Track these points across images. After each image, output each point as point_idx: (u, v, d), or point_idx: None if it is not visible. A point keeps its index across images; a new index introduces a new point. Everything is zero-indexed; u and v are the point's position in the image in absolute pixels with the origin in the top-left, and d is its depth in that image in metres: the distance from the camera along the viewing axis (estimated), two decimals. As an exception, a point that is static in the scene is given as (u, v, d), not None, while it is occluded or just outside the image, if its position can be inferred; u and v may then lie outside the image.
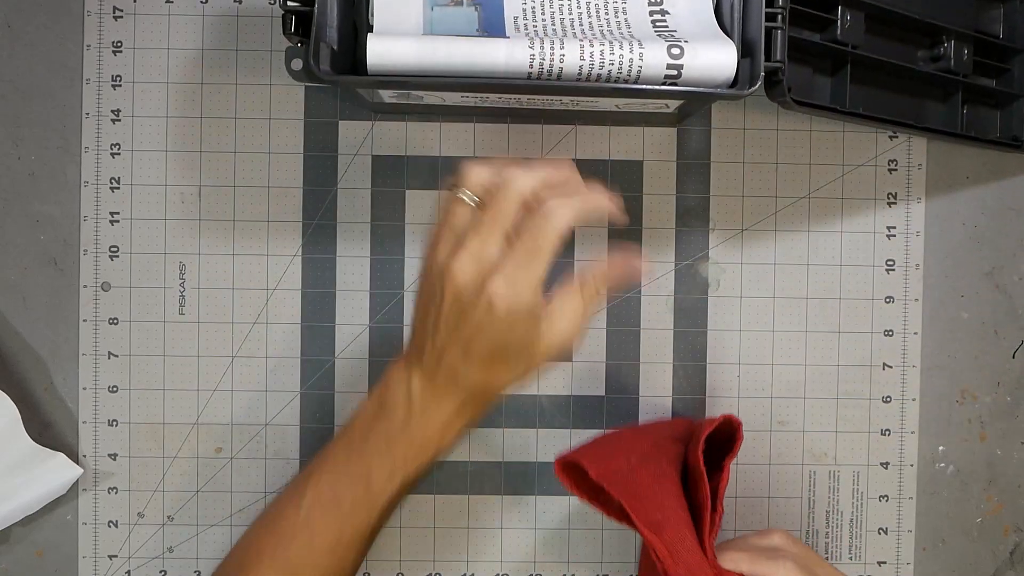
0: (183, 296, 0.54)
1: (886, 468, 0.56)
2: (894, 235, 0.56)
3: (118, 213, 0.54)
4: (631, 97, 0.47)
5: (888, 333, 0.56)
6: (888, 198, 0.56)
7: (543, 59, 0.43)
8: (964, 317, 0.56)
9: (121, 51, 0.54)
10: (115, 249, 0.54)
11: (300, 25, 0.45)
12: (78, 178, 0.54)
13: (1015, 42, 0.54)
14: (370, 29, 0.46)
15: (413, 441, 0.44)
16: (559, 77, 0.44)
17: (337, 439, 0.46)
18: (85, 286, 0.54)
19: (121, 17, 0.54)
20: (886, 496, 0.56)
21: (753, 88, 0.44)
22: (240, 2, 0.54)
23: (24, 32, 0.54)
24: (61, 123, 0.54)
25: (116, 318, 0.54)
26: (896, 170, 0.56)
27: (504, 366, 0.42)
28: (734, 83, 0.45)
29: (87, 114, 0.54)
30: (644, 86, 0.44)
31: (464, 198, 0.41)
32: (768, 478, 0.56)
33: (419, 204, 0.55)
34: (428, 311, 0.42)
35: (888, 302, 0.56)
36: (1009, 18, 0.54)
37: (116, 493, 0.54)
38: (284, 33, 0.45)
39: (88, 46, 0.54)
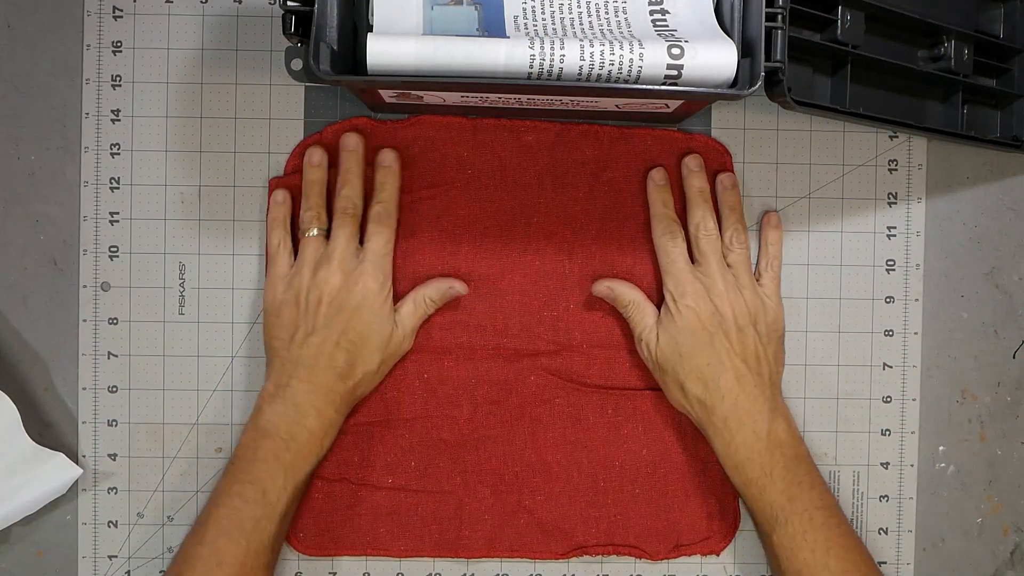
0: (183, 296, 0.54)
1: (886, 468, 0.56)
2: (894, 235, 0.56)
3: (118, 213, 0.54)
4: (631, 97, 0.47)
5: (888, 333, 0.56)
6: (888, 198, 0.56)
7: (543, 59, 0.43)
8: (964, 317, 0.56)
9: (121, 51, 0.54)
10: (115, 249, 0.54)
11: (300, 25, 0.45)
12: (78, 178, 0.54)
13: (1015, 42, 0.54)
14: (370, 29, 0.46)
15: (300, 448, 0.49)
16: (559, 77, 0.44)
17: (225, 473, 0.50)
18: (85, 286, 0.54)
19: (121, 17, 0.54)
20: (886, 496, 0.56)
21: (753, 88, 0.44)
22: (240, 2, 0.54)
23: (24, 32, 0.54)
24: (61, 123, 0.54)
25: (116, 318, 0.54)
26: (896, 170, 0.56)
27: (367, 356, 0.50)
28: (734, 83, 0.45)
29: (87, 114, 0.54)
30: (644, 86, 0.44)
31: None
32: (768, 478, 0.56)
33: (419, 204, 0.55)
34: (296, 325, 0.50)
35: (888, 302, 0.56)
36: (1009, 18, 0.54)
37: (116, 493, 0.54)
38: (284, 33, 0.45)
39: (88, 46, 0.54)
